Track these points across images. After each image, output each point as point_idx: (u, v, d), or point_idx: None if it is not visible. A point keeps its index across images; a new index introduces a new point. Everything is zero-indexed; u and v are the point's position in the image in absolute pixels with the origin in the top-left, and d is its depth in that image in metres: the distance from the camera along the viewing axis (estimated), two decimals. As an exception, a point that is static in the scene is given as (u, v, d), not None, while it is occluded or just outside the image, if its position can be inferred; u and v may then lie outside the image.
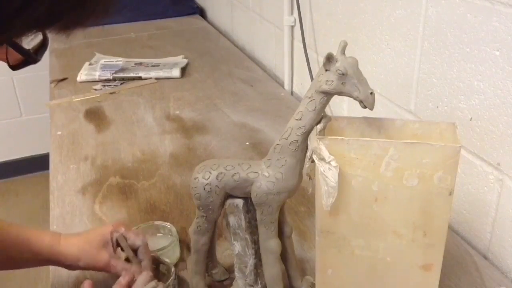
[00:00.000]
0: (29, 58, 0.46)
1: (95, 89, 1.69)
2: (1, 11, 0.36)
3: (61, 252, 0.79)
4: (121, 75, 1.77)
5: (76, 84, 1.74)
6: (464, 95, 0.94)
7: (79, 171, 1.22)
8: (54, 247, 0.79)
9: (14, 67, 0.46)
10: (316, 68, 1.47)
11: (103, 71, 1.79)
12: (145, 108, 1.55)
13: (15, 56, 0.46)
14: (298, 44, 1.58)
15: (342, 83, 0.64)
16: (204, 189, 0.73)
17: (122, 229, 0.81)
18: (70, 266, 0.81)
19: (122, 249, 0.81)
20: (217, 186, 0.73)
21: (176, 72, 1.79)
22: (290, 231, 0.79)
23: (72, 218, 1.04)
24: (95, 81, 1.75)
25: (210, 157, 1.24)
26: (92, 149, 1.32)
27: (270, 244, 0.74)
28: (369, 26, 1.18)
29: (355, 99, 0.64)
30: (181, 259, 0.91)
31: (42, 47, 0.47)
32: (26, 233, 0.79)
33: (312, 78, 1.43)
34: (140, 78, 1.77)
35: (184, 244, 0.94)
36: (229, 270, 0.86)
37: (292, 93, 1.69)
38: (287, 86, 1.70)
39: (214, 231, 0.81)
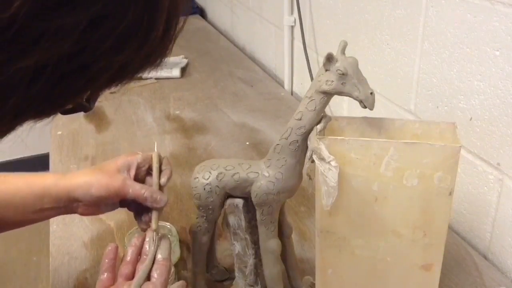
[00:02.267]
0: (82, 108, 0.45)
1: (95, 89, 1.69)
2: (68, 89, 0.36)
3: (71, 183, 0.71)
4: None
5: (76, 84, 1.74)
6: (464, 95, 0.94)
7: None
8: (59, 181, 0.72)
9: (64, 112, 0.44)
10: (316, 68, 1.47)
11: (103, 71, 1.79)
12: (145, 108, 1.55)
13: None
14: (298, 44, 1.58)
15: (342, 83, 0.64)
16: (204, 189, 0.73)
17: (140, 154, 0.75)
18: (81, 201, 0.72)
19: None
20: (217, 186, 0.73)
21: (176, 72, 1.79)
22: (290, 231, 0.79)
23: (72, 218, 1.04)
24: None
25: (210, 157, 1.24)
26: (92, 149, 1.32)
27: (270, 244, 0.74)
28: (369, 26, 1.17)
29: (355, 99, 0.64)
30: (181, 259, 0.91)
31: (94, 95, 0.45)
32: (25, 177, 0.73)
33: (312, 78, 1.43)
34: (140, 78, 1.77)
35: (184, 244, 0.94)
36: (229, 270, 0.86)
37: (292, 93, 1.69)
38: (287, 86, 1.70)
39: (214, 231, 0.81)
